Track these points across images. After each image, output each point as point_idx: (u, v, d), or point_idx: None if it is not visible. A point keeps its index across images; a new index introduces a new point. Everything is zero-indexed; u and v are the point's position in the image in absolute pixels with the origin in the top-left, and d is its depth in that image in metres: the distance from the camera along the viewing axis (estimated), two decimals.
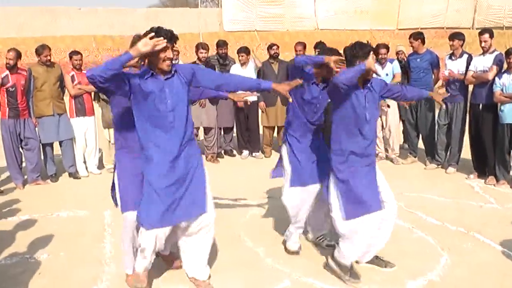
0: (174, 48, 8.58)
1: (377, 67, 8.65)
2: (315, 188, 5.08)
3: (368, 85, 4.43)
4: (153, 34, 3.69)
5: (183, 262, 4.45)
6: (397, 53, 9.94)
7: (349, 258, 4.57)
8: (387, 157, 9.18)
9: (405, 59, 9.24)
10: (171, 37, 3.83)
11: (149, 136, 3.92)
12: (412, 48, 8.74)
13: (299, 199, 5.09)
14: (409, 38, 8.69)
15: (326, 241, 5.35)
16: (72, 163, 8.51)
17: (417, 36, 8.58)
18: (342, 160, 4.46)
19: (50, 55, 8.16)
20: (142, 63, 4.09)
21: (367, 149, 4.48)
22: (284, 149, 5.20)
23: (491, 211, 6.44)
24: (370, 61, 4.15)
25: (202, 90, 4.91)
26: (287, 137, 5.18)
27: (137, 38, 3.97)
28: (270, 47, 9.70)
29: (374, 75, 4.42)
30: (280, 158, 5.31)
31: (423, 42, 8.58)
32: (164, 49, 3.78)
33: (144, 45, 3.64)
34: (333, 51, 4.83)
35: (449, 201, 6.82)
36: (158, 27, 3.82)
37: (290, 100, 4.42)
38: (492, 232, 5.60)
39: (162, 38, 3.71)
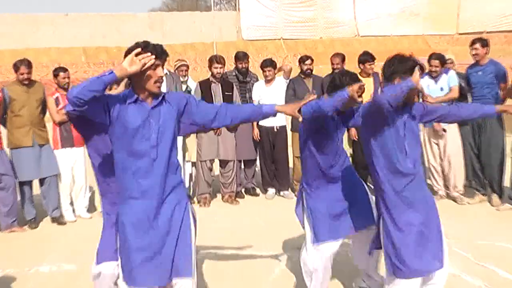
0: (183, 63, 8.65)
1: (429, 81, 8.60)
2: (336, 245, 5.20)
3: (409, 109, 4.38)
4: (139, 50, 3.73)
5: None
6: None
7: None
8: (448, 196, 9.05)
9: (457, 70, 9.16)
10: (162, 53, 3.87)
11: (127, 174, 3.94)
12: (474, 58, 8.61)
13: (319, 260, 5.19)
14: (473, 45, 8.56)
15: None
16: (56, 205, 8.50)
17: (484, 42, 8.49)
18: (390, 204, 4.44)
19: (30, 72, 8.19)
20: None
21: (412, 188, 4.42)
22: (303, 198, 5.44)
23: None
24: (417, 78, 4.08)
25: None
26: (303, 184, 5.44)
27: (127, 51, 3.92)
28: (302, 61, 9.72)
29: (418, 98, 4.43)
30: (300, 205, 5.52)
31: (488, 50, 8.49)
32: (153, 67, 3.82)
33: (130, 64, 3.68)
34: (354, 77, 5.01)
35: None
36: (145, 41, 3.88)
37: (300, 119, 4.45)
38: None
39: (150, 54, 3.75)
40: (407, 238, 4.30)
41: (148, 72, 3.79)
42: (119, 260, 4.02)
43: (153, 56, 3.75)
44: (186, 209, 4.13)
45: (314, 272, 5.19)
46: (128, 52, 3.77)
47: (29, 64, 8.19)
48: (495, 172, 8.56)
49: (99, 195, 4.62)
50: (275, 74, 9.53)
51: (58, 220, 8.50)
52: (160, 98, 3.94)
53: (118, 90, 4.74)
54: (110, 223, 4.49)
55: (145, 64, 3.69)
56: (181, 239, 4.04)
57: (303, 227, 5.40)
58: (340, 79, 4.92)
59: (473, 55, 8.56)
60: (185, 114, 4.12)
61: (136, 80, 3.85)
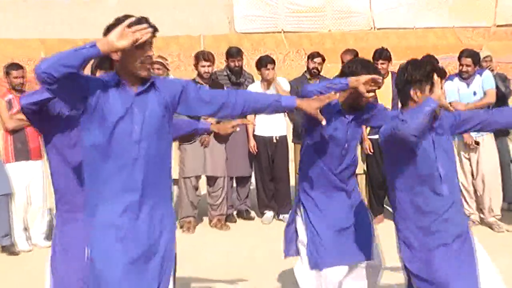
0: (159, 59, 8.62)
1: (460, 84, 8.59)
2: (343, 271, 5.20)
3: (435, 125, 4.36)
4: (132, 20, 3.60)
5: None
6: (481, 62, 9.65)
7: None
8: (482, 221, 9.04)
9: (495, 70, 9.17)
10: (154, 30, 3.76)
11: (98, 177, 3.81)
12: None
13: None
14: None
15: None
16: (6, 231, 8.43)
17: None
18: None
19: None
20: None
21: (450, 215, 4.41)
22: (298, 215, 5.36)
23: None
24: (438, 93, 4.08)
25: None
26: (301, 197, 5.33)
27: (111, 26, 3.77)
28: (311, 58, 9.83)
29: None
30: (292, 226, 5.49)
31: None
32: (143, 45, 3.69)
33: (120, 37, 3.50)
34: (368, 66, 4.97)
35: None
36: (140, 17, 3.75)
37: (323, 122, 4.37)
38: None
39: (146, 26, 3.63)
40: None
41: (137, 51, 3.67)
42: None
43: (150, 30, 3.64)
44: (172, 231, 4.06)
45: None
46: (112, 26, 3.65)
47: None
48: None
49: (55, 208, 4.55)
50: (274, 74, 9.51)
51: (9, 249, 8.44)
52: (148, 84, 3.84)
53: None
54: (64, 249, 4.40)
55: (138, 39, 3.54)
56: (166, 267, 3.96)
57: (295, 253, 5.48)
58: (350, 67, 4.93)
59: None
60: (182, 104, 4.01)
61: (120, 61, 3.75)
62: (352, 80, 4.55)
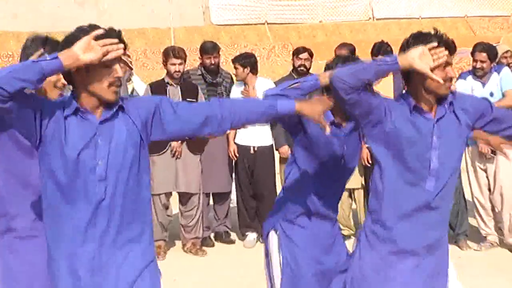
0: (125, 57, 8.63)
1: (474, 83, 8.61)
2: None
3: (445, 105, 4.39)
4: (100, 32, 3.44)
5: None
6: (500, 58, 9.66)
7: None
8: (502, 243, 9.08)
9: None
10: (125, 46, 3.64)
11: (56, 217, 3.68)
12: None
13: None
14: None
15: None
16: None
17: None
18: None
19: None
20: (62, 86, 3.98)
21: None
22: (273, 241, 5.24)
23: None
24: (415, 53, 3.92)
25: None
26: (277, 220, 5.22)
27: (72, 36, 3.58)
28: (296, 54, 9.85)
29: (452, 87, 4.41)
30: (267, 256, 5.39)
31: None
32: (111, 64, 3.57)
33: (86, 50, 3.35)
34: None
35: None
36: (108, 28, 3.59)
37: (328, 130, 4.20)
38: None
39: (117, 40, 3.50)
40: None
41: (102, 69, 3.50)
42: None
43: (122, 46, 3.53)
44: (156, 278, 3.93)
45: None
46: (73, 37, 3.50)
47: None
48: None
49: None
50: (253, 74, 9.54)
51: None
52: (114, 109, 3.66)
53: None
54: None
55: (107, 53, 3.40)
56: None
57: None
58: (329, 66, 4.79)
59: None
60: (156, 127, 3.81)
61: (80, 80, 3.56)
62: (321, 76, 4.42)
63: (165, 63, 9.31)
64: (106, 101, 3.63)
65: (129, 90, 9.28)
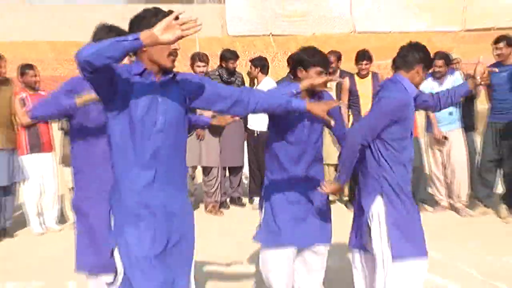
0: None
1: (433, 84, 8.65)
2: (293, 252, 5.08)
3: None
4: (181, 12, 3.27)
5: None
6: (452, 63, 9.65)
7: None
8: (451, 207, 9.13)
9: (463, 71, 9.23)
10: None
11: (120, 164, 3.62)
12: (497, 58, 8.64)
13: (273, 265, 5.09)
14: (496, 43, 8.60)
15: None
16: (10, 215, 8.53)
17: (509, 40, 8.57)
18: None
19: (4, 67, 8.21)
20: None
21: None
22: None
23: None
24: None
25: None
26: (264, 186, 5.26)
27: (141, 17, 3.59)
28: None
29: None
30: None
31: None
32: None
33: (166, 31, 3.15)
34: (313, 54, 4.89)
35: None
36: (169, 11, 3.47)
37: (332, 123, 4.33)
38: None
39: (196, 18, 3.27)
40: None
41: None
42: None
43: (200, 25, 3.27)
44: (192, 219, 3.93)
45: (270, 276, 5.13)
46: (141, 18, 3.55)
47: (1, 58, 8.18)
48: None
49: (74, 192, 4.45)
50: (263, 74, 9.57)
51: (8, 232, 8.50)
52: (171, 75, 3.66)
53: None
54: (86, 225, 4.35)
55: (184, 35, 3.21)
56: (186, 254, 3.83)
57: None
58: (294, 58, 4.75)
59: (496, 55, 8.60)
60: (199, 99, 3.81)
61: (148, 50, 3.50)
62: (303, 84, 4.37)
63: (192, 65, 9.34)
64: (165, 68, 3.61)
65: None
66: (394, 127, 4.51)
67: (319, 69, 4.64)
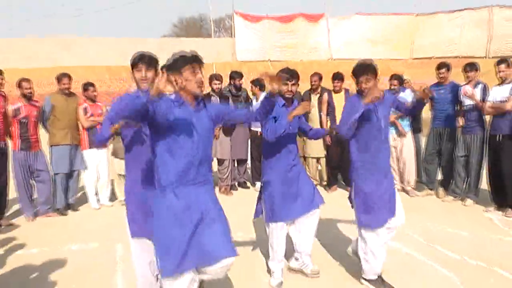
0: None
1: None
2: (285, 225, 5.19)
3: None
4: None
5: None
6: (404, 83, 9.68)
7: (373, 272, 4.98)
8: (403, 190, 9.08)
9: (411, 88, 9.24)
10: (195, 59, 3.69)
11: (169, 168, 3.63)
12: (440, 79, 8.59)
13: (277, 235, 5.16)
14: (440, 69, 8.56)
15: (310, 268, 5.39)
16: (74, 194, 8.56)
17: (449, 66, 8.57)
18: None
19: (69, 84, 8.23)
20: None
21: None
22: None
23: (511, 244, 6.33)
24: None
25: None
26: (264, 172, 5.26)
27: (178, 59, 3.68)
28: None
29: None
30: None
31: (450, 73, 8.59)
32: (196, 72, 3.66)
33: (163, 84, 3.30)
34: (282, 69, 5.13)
35: (468, 235, 6.72)
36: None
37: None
38: None
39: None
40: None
41: (191, 76, 3.64)
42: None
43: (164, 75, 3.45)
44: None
45: (274, 242, 5.20)
46: (177, 60, 3.63)
47: (69, 77, 8.23)
48: (448, 170, 8.64)
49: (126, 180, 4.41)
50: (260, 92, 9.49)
51: (73, 207, 8.52)
52: (201, 103, 3.77)
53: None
54: (134, 200, 4.29)
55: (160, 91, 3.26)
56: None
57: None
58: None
59: (441, 77, 8.55)
60: (220, 117, 3.92)
61: (181, 84, 3.64)
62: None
63: (210, 83, 9.30)
64: (195, 94, 3.66)
65: None
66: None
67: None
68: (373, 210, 4.83)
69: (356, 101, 4.75)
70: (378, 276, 5.02)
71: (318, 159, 9.78)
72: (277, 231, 5.14)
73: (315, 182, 8.72)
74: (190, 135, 3.62)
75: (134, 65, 4.17)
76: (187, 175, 3.63)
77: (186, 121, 3.61)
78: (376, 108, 4.79)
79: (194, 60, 3.65)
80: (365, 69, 4.77)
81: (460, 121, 8.18)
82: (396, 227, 5.04)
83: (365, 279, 5.09)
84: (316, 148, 9.55)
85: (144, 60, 4.13)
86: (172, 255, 3.52)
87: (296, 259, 5.46)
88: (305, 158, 9.77)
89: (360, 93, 4.80)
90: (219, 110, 3.93)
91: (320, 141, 9.32)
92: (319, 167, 9.92)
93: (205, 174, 3.75)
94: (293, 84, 5.15)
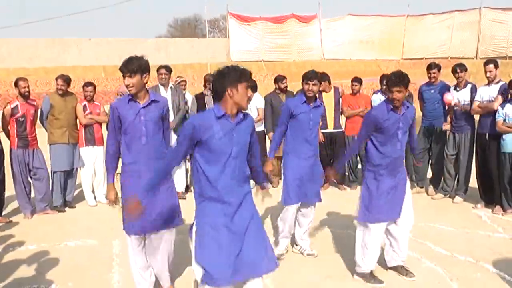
0: (183, 79, 8.48)
1: (382, 97, 8.62)
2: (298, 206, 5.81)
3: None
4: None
5: None
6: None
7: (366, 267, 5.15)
8: None
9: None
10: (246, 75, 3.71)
11: (207, 177, 3.67)
12: (431, 79, 8.54)
13: (289, 216, 5.79)
14: (430, 69, 8.49)
15: (307, 251, 6.00)
16: (71, 192, 8.51)
17: (439, 67, 8.56)
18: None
19: (66, 85, 8.18)
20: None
21: None
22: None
23: (499, 240, 6.37)
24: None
25: None
26: (284, 158, 5.90)
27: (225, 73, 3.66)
28: (280, 80, 9.55)
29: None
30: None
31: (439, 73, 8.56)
32: (247, 89, 3.66)
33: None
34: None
35: (457, 231, 6.76)
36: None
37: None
38: (502, 262, 5.54)
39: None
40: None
41: (244, 92, 3.62)
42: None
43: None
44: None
45: (283, 221, 5.85)
46: (225, 74, 3.61)
47: (67, 79, 8.21)
48: (438, 168, 8.63)
49: (121, 173, 4.53)
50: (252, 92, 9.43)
51: (70, 204, 8.48)
52: (243, 116, 3.75)
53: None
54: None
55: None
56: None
57: None
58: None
59: (433, 77, 8.47)
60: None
61: (233, 98, 3.59)
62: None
63: (204, 83, 9.29)
64: (242, 109, 3.66)
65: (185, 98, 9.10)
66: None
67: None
68: (374, 208, 4.98)
69: (379, 114, 4.93)
70: (371, 272, 5.14)
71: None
72: (290, 214, 5.76)
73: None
74: (228, 148, 3.63)
75: (121, 71, 4.32)
76: (225, 185, 3.66)
77: (226, 134, 3.61)
78: (399, 120, 4.90)
79: (250, 78, 3.71)
80: (399, 80, 4.81)
81: (448, 122, 8.19)
82: (405, 228, 5.28)
83: (357, 274, 5.19)
84: None
85: (127, 68, 4.29)
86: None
87: (296, 244, 6.09)
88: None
89: (390, 101, 4.89)
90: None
91: None
92: None
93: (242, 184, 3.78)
94: (314, 84, 5.60)
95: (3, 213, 7.87)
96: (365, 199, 5.06)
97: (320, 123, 6.51)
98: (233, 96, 3.55)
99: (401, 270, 5.28)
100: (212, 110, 3.65)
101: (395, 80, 4.79)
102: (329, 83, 9.13)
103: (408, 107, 4.98)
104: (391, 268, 5.36)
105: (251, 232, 3.69)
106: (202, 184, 3.67)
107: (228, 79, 3.57)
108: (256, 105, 9.30)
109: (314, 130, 5.69)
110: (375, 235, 5.03)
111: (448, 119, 8.24)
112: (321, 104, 5.87)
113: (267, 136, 9.56)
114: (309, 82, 5.57)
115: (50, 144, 8.13)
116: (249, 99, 3.87)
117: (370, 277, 5.12)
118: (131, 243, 4.59)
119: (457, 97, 7.96)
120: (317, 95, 5.73)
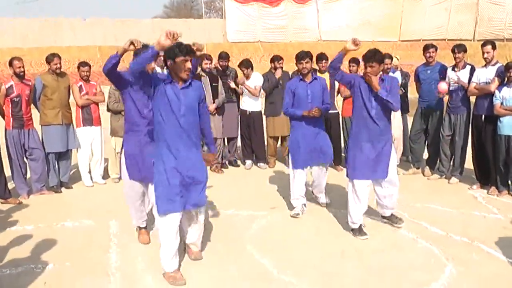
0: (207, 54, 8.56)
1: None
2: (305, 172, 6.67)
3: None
4: (168, 30, 4.21)
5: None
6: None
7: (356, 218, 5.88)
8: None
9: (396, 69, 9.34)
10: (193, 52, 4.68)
11: (160, 131, 4.64)
12: (428, 59, 8.52)
13: (293, 179, 6.64)
14: (427, 50, 8.49)
15: (320, 200, 7.06)
16: (66, 173, 8.47)
17: (436, 47, 8.57)
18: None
19: (59, 64, 8.13)
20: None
21: None
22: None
23: (494, 221, 6.42)
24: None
25: None
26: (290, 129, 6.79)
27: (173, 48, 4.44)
28: (277, 60, 9.60)
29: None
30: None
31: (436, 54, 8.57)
32: (186, 60, 4.49)
33: (165, 39, 4.18)
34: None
35: (452, 212, 6.79)
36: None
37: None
38: (496, 242, 5.58)
39: (178, 32, 4.24)
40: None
41: (182, 64, 4.48)
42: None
43: (180, 32, 4.26)
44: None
45: (292, 181, 6.69)
46: (173, 49, 4.43)
47: (59, 58, 8.13)
48: (434, 149, 8.62)
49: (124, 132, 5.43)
50: (250, 72, 9.42)
51: (67, 185, 8.46)
52: (188, 83, 4.64)
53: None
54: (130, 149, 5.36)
55: (174, 37, 4.18)
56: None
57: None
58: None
59: (429, 57, 8.46)
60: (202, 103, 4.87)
61: (172, 69, 4.54)
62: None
63: (200, 63, 9.26)
64: (183, 79, 4.58)
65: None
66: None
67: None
68: (356, 167, 5.78)
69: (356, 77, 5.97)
70: (359, 226, 5.86)
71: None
72: (299, 176, 6.61)
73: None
74: (177, 107, 4.52)
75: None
76: (177, 138, 4.58)
77: (174, 96, 4.52)
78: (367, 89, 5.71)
79: (187, 53, 4.47)
80: (370, 57, 5.64)
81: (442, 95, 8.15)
82: (389, 190, 5.97)
83: (351, 230, 5.90)
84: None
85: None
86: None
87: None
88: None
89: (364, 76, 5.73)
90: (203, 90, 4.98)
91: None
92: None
93: (194, 139, 4.71)
94: (306, 62, 6.59)
95: None
96: (349, 161, 5.91)
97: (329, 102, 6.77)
98: (173, 67, 4.51)
99: (392, 218, 6.16)
100: (164, 74, 4.71)
101: (368, 56, 5.67)
102: (327, 62, 9.12)
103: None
104: (383, 217, 6.24)
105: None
106: (157, 130, 4.65)
107: (168, 53, 4.46)
108: (255, 83, 9.44)
109: (314, 103, 6.48)
110: (359, 191, 5.79)
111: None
112: (318, 77, 6.64)
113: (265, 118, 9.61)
114: (302, 61, 6.58)
115: (42, 125, 8.08)
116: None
117: (359, 231, 5.82)
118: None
119: (456, 78, 7.95)
120: (312, 72, 6.67)
